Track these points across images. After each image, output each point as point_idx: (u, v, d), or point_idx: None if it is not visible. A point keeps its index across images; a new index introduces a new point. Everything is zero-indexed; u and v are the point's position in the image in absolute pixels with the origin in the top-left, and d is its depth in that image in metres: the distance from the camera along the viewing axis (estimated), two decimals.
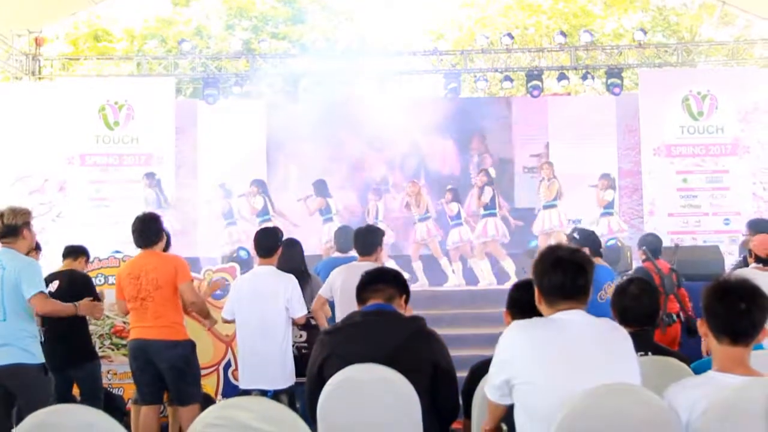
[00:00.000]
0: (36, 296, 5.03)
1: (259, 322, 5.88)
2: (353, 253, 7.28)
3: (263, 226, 9.91)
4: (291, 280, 5.97)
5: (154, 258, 5.86)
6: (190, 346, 5.96)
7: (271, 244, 6.14)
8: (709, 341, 2.90)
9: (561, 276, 2.94)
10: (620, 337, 2.98)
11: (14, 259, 5.07)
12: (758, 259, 6.39)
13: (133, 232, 5.97)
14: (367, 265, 5.96)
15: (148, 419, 5.94)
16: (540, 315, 3.33)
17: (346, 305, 5.79)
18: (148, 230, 5.90)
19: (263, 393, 5.78)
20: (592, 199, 12.41)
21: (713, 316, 2.86)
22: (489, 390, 3.01)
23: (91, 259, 7.85)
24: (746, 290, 2.83)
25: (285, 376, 5.90)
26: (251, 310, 5.92)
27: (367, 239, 6.36)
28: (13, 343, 4.98)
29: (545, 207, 12.10)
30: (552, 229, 11.90)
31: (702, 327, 2.91)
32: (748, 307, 2.79)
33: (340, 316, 5.83)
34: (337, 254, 7.39)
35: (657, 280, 6.57)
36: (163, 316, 5.72)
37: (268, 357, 5.84)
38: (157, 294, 5.71)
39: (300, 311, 5.94)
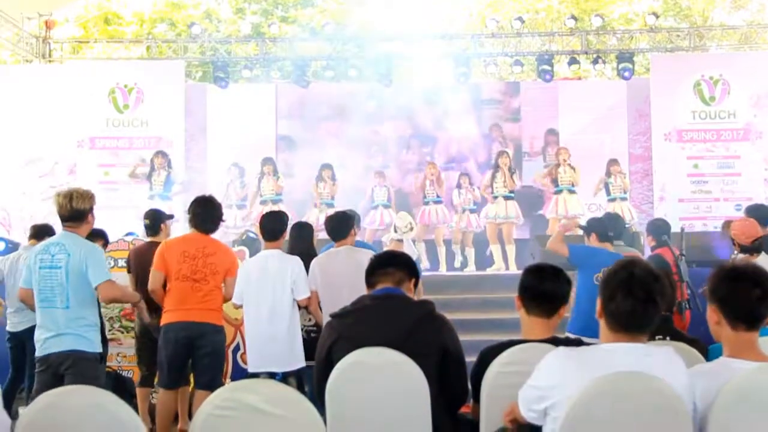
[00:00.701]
0: (104, 284, 4.94)
1: (267, 306, 5.89)
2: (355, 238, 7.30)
3: (276, 208, 9.92)
4: (297, 262, 5.98)
5: (212, 243, 5.81)
6: (225, 333, 6.01)
7: (277, 228, 6.15)
8: (720, 329, 2.86)
9: (631, 303, 2.71)
10: (678, 370, 2.81)
11: (78, 244, 4.98)
12: (743, 249, 6.21)
13: (195, 214, 5.86)
14: (343, 250, 6.15)
15: (171, 403, 5.92)
16: (551, 301, 3.30)
17: (327, 290, 5.93)
18: (211, 215, 5.84)
19: (271, 376, 5.79)
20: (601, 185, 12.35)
21: (728, 305, 2.82)
22: (524, 410, 2.87)
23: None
24: (758, 275, 2.81)
25: (294, 359, 5.90)
26: (259, 293, 5.93)
27: (338, 224, 6.37)
28: (73, 330, 4.91)
29: (569, 191, 11.95)
30: (575, 214, 11.79)
31: (714, 315, 2.86)
32: (764, 292, 2.77)
33: (324, 303, 5.88)
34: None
35: (674, 267, 6.51)
36: (212, 301, 5.69)
37: (276, 340, 5.85)
38: (212, 279, 5.67)
39: (303, 293, 5.94)
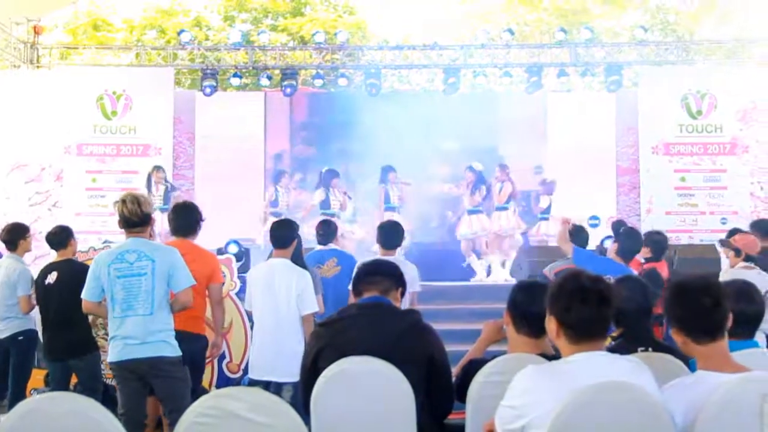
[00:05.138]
0: (188, 289, 4.99)
1: (271, 314, 5.86)
2: (333, 245, 7.32)
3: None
4: (303, 275, 5.94)
5: (193, 250, 5.75)
6: (207, 341, 5.97)
7: (287, 236, 6.09)
8: (688, 347, 2.88)
9: (588, 310, 2.73)
10: (645, 378, 2.82)
11: (159, 250, 5.00)
12: (748, 258, 6.45)
13: (171, 220, 5.92)
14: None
15: (150, 410, 5.89)
16: (540, 322, 3.28)
17: None
18: (188, 220, 5.82)
19: (266, 385, 5.73)
20: (587, 197, 12.49)
21: (685, 322, 2.86)
22: (500, 430, 2.83)
23: (86, 249, 7.84)
24: (706, 284, 2.85)
25: (295, 369, 5.83)
26: (264, 301, 5.92)
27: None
28: (157, 337, 4.91)
29: (497, 209, 12.04)
30: (502, 231, 11.95)
31: (678, 336, 2.88)
32: (715, 300, 2.80)
33: None
34: (319, 247, 7.38)
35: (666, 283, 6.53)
36: (191, 308, 5.55)
37: (278, 349, 5.80)
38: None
39: (309, 307, 5.88)
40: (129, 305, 4.89)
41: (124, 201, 4.97)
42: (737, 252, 6.69)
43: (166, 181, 12.08)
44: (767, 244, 7.49)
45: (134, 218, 4.95)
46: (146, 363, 4.91)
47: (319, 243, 7.35)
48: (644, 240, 7.47)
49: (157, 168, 12.22)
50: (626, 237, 6.64)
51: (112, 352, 4.97)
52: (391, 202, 11.92)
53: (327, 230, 7.39)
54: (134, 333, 4.88)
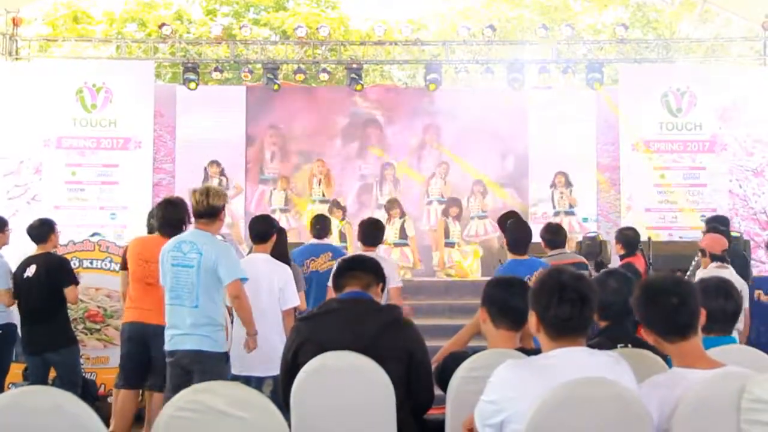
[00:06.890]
0: (236, 282, 4.99)
1: (253, 309, 5.82)
2: (328, 240, 7.38)
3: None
4: (285, 269, 5.96)
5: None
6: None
7: (264, 230, 6.09)
8: (660, 346, 2.93)
9: (568, 308, 2.75)
10: (624, 373, 2.84)
11: (209, 243, 5.01)
12: (714, 257, 6.49)
13: (155, 217, 5.98)
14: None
15: (128, 403, 5.95)
16: (521, 315, 3.29)
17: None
18: (169, 219, 5.75)
19: (247, 381, 5.70)
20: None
21: (653, 322, 2.90)
22: (480, 426, 2.84)
23: (65, 242, 7.80)
24: (673, 284, 2.89)
25: (276, 364, 5.80)
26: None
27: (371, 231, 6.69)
28: (200, 331, 4.96)
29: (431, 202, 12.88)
30: (432, 226, 12.75)
31: (649, 336, 2.93)
32: (681, 300, 2.83)
33: None
34: (314, 240, 7.39)
35: (644, 276, 6.55)
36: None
37: (260, 344, 5.77)
38: None
39: (290, 302, 5.90)
40: (177, 294, 4.99)
41: (194, 191, 5.08)
42: (703, 253, 6.72)
43: (222, 174, 12.33)
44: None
45: (200, 208, 5.03)
46: (188, 355, 5.00)
47: (315, 237, 7.39)
48: (615, 237, 7.54)
49: (213, 162, 12.58)
50: (511, 230, 6.16)
51: (165, 341, 5.13)
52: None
53: (323, 224, 7.50)
54: (180, 324, 5.00)
